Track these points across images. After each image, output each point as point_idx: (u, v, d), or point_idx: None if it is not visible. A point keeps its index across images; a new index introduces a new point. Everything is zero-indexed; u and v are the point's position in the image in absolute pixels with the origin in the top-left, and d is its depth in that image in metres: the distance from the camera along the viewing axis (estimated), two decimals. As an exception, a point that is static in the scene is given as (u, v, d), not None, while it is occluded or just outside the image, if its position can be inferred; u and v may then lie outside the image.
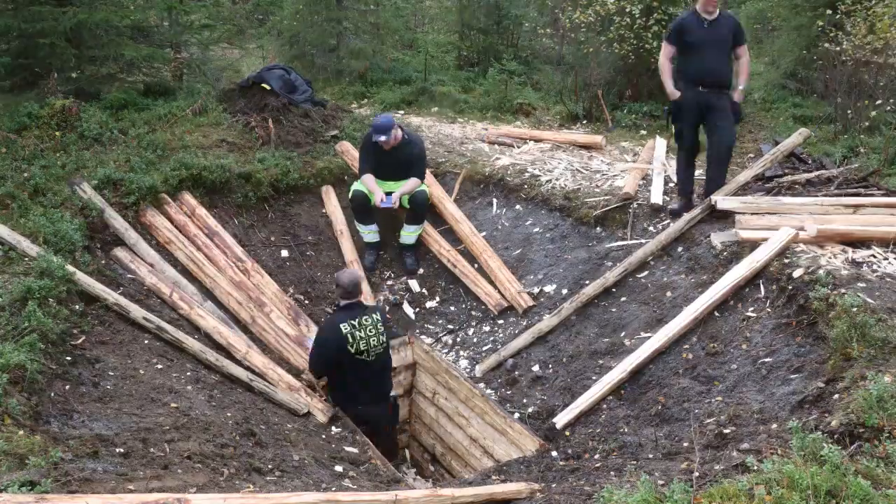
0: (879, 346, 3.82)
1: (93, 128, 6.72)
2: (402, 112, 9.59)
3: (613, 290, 5.68)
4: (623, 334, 5.33)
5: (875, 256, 4.82)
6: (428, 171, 7.11)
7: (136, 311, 4.96)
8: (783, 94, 9.95)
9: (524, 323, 5.99)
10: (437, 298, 6.65)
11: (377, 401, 5.28)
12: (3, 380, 3.53)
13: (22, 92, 7.60)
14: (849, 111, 7.96)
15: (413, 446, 6.55)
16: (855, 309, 4.05)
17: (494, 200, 7.12)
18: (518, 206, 6.96)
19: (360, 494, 3.66)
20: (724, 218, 5.63)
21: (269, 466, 3.96)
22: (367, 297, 6.25)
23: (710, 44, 5.75)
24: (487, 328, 6.21)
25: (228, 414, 4.40)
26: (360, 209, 6.71)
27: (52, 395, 3.89)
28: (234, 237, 6.36)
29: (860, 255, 4.83)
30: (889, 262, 4.75)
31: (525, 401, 5.33)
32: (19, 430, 3.37)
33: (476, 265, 6.60)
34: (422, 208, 6.73)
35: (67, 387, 4.03)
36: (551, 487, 3.89)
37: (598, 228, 6.34)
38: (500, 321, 6.19)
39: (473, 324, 6.30)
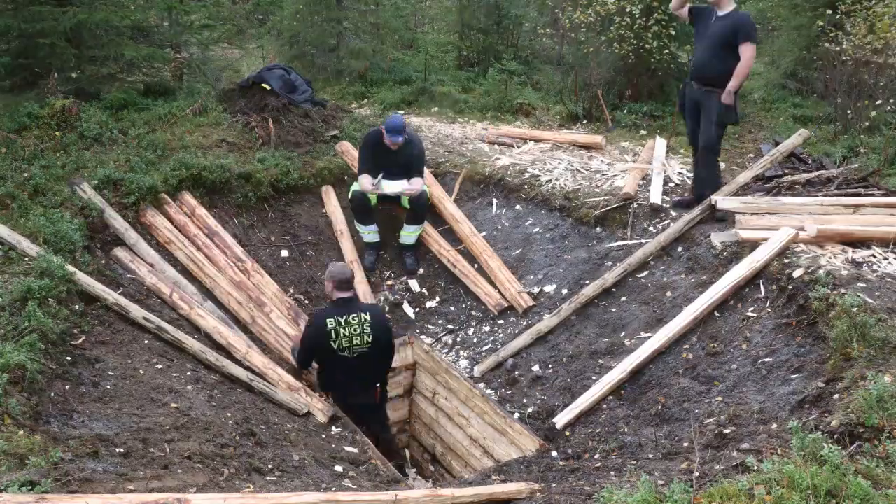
0: (879, 346, 3.83)
1: (93, 128, 6.72)
2: (402, 112, 9.58)
3: (613, 290, 5.68)
4: (623, 334, 5.33)
5: (875, 256, 4.82)
6: (428, 171, 7.11)
7: (136, 311, 4.96)
8: (783, 94, 9.97)
9: (524, 323, 5.99)
10: (437, 298, 6.65)
11: (364, 389, 5.27)
12: (3, 380, 3.53)
13: (22, 92, 7.59)
14: (849, 111, 7.97)
15: (413, 446, 6.55)
16: (855, 309, 4.06)
17: (494, 200, 7.12)
18: (518, 206, 6.96)
19: (360, 494, 3.66)
20: (724, 220, 5.64)
21: (269, 466, 3.96)
22: (366, 298, 6.28)
23: (704, 39, 5.71)
24: (487, 328, 6.21)
25: (228, 414, 4.40)
26: (360, 209, 6.71)
27: (52, 395, 3.89)
28: (234, 237, 6.36)
29: (860, 255, 4.83)
30: (889, 262, 4.75)
31: (525, 401, 5.33)
32: (19, 430, 3.37)
33: (476, 265, 6.60)
34: (422, 208, 6.73)
35: (67, 387, 4.03)
36: (551, 487, 3.89)
37: (598, 228, 6.34)
38: (500, 321, 6.19)
39: (473, 324, 6.30)
